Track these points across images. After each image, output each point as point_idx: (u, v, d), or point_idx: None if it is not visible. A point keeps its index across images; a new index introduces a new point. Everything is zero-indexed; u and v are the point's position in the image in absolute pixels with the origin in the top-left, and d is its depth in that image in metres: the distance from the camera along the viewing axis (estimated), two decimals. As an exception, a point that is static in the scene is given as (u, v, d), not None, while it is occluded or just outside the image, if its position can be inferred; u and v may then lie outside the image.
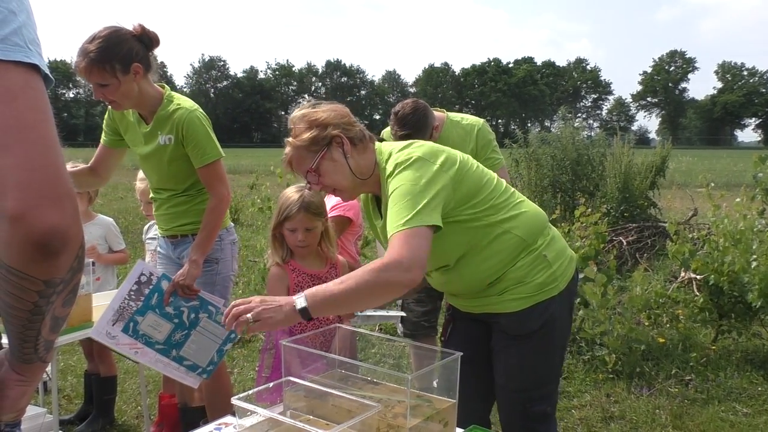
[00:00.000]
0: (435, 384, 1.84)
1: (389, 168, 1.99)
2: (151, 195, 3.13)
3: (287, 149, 2.07)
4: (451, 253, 2.06)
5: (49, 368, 3.25)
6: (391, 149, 2.07)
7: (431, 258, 2.13)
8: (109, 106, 2.90)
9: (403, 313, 2.79)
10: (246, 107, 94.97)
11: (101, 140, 3.09)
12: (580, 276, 4.81)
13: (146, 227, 3.91)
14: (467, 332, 2.22)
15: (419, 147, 2.01)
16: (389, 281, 1.77)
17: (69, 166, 3.22)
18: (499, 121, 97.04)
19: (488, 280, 2.05)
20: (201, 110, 2.89)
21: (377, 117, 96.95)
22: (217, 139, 2.95)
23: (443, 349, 1.90)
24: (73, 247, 0.91)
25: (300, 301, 1.75)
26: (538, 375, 2.10)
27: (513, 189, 2.16)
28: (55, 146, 0.89)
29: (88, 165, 3.12)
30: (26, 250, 0.86)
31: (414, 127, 3.09)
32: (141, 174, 3.50)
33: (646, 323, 4.87)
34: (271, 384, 1.84)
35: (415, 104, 3.15)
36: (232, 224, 3.20)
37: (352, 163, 2.05)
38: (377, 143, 2.12)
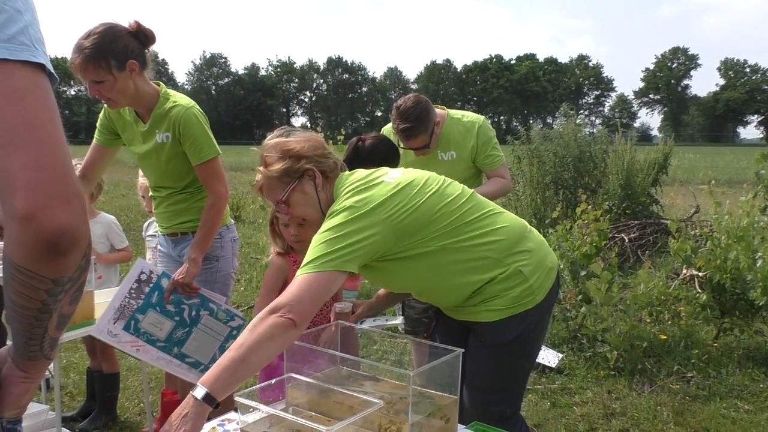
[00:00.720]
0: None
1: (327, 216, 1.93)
2: (151, 193, 3.14)
3: (258, 176, 2.05)
4: (409, 285, 2.09)
5: (51, 365, 3.25)
6: (340, 190, 1.98)
7: (390, 286, 2.17)
8: (105, 105, 2.89)
9: (400, 320, 2.79)
10: (247, 104, 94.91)
11: (94, 140, 3.06)
12: (583, 273, 4.81)
13: (146, 225, 3.91)
14: (448, 331, 2.24)
15: (357, 192, 1.91)
16: (269, 328, 1.68)
17: None
18: (501, 117, 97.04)
19: (463, 298, 2.05)
20: (198, 107, 2.89)
21: (379, 114, 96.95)
22: (217, 136, 2.95)
23: (445, 346, 1.90)
24: (82, 246, 0.91)
25: (198, 391, 1.61)
26: (503, 380, 2.12)
27: (486, 204, 2.09)
28: (63, 145, 0.90)
29: (78, 172, 3.09)
30: (36, 250, 0.87)
31: (416, 120, 3.10)
32: None
33: (648, 320, 4.88)
34: (273, 380, 1.85)
35: (417, 98, 3.16)
36: (233, 221, 3.20)
37: (323, 196, 2.02)
38: (340, 177, 2.05)
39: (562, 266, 4.90)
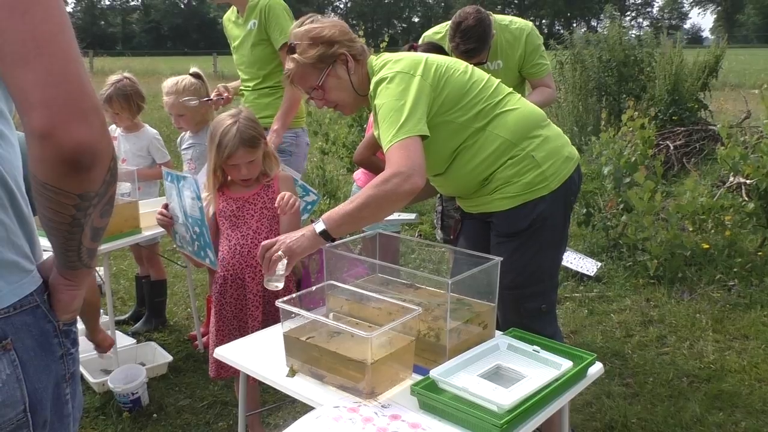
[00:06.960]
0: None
1: (372, 86, 2.05)
2: (241, 87, 3.59)
3: (290, 65, 2.09)
4: (441, 157, 2.12)
5: (102, 272, 3.38)
6: (376, 65, 2.11)
7: (427, 166, 2.16)
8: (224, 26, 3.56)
9: (414, 216, 2.86)
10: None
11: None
12: (626, 180, 4.72)
13: (179, 139, 3.89)
14: (473, 231, 2.30)
15: (398, 62, 2.05)
16: (393, 191, 1.86)
17: (235, 84, 3.72)
18: (543, 21, 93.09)
19: (477, 181, 2.12)
20: (283, 1, 3.37)
21: (416, 20, 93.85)
22: None
23: (481, 254, 1.91)
24: (104, 161, 0.91)
25: (318, 226, 1.88)
26: (528, 273, 2.14)
27: (505, 89, 2.17)
28: (77, 58, 0.87)
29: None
30: (57, 167, 0.87)
31: (479, 40, 2.95)
32: (167, 85, 3.40)
33: (691, 229, 4.80)
34: (313, 288, 1.89)
35: (479, 15, 2.96)
36: (305, 128, 3.56)
37: (355, 79, 2.10)
38: (370, 58, 2.15)
39: (606, 174, 4.80)
